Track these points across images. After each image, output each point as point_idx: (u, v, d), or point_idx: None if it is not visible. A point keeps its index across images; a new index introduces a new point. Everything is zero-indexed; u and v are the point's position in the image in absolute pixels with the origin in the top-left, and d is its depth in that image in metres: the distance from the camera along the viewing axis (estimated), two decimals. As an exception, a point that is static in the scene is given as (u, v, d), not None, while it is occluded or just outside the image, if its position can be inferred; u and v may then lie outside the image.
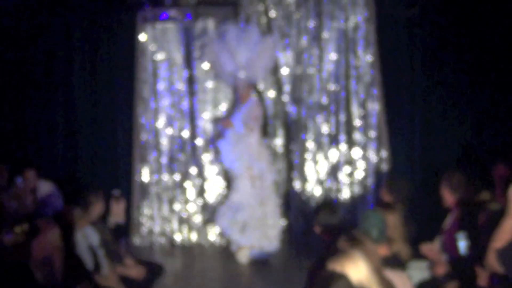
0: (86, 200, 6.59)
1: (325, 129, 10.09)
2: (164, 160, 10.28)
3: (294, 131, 10.19)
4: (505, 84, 9.46)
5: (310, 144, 10.15)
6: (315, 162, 10.15)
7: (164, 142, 10.27)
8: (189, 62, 10.18)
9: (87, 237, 6.37)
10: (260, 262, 9.02)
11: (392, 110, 9.92)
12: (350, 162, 10.06)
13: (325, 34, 10.02)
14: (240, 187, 9.17)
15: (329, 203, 8.24)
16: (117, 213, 7.23)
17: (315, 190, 10.15)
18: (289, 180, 10.26)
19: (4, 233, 5.01)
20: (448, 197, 6.54)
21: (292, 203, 10.22)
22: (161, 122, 10.28)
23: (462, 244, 5.92)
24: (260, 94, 9.87)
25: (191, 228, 10.31)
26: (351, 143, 10.05)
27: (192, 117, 10.26)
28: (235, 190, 9.24)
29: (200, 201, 10.30)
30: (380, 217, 5.17)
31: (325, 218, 5.91)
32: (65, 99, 10.30)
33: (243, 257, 9.05)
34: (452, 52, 9.71)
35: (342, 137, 10.05)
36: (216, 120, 9.42)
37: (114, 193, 7.30)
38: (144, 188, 10.28)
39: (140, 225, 10.26)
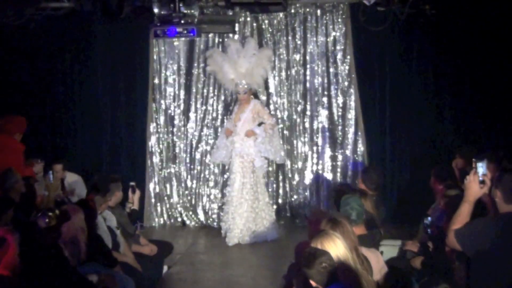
0: (107, 189, 6.57)
1: (309, 126, 10.13)
2: (173, 151, 10.34)
3: (283, 129, 10.20)
4: (463, 84, 9.50)
5: (297, 139, 10.18)
6: (302, 154, 10.17)
7: (175, 136, 10.33)
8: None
9: (106, 220, 6.37)
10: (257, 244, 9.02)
11: (367, 111, 9.92)
12: (332, 152, 10.10)
13: (309, 47, 10.05)
14: (235, 181, 9.13)
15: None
16: (133, 200, 7.23)
17: (302, 178, 10.18)
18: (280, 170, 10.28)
19: (40, 217, 5.01)
20: (436, 186, 6.56)
21: (283, 188, 10.26)
22: (170, 124, 10.31)
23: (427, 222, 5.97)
24: (257, 97, 9.81)
25: (196, 211, 10.31)
26: (332, 137, 10.09)
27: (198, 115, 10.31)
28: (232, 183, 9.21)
29: (206, 187, 10.31)
30: (359, 201, 5.13)
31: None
32: (88, 103, 10.27)
33: (229, 241, 9.00)
34: (417, 59, 9.75)
35: (324, 131, 10.09)
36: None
37: (131, 184, 7.29)
38: (156, 177, 10.30)
39: (153, 210, 10.27)
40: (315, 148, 10.16)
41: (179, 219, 10.32)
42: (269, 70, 9.62)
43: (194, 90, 10.29)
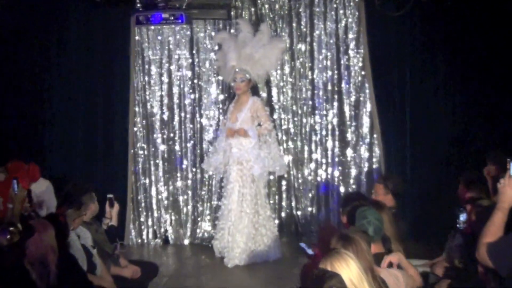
0: (80, 201, 6.54)
1: (318, 127, 10.15)
2: (158, 161, 10.35)
3: (287, 130, 10.23)
4: (493, 80, 9.46)
5: (303, 142, 10.22)
6: (308, 157, 10.22)
7: (158, 143, 10.35)
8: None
9: (81, 237, 6.32)
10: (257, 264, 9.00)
11: (383, 108, 9.91)
12: (343, 158, 10.11)
13: (317, 35, 10.06)
14: (233, 192, 9.08)
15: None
16: (111, 215, 7.19)
17: (309, 187, 10.21)
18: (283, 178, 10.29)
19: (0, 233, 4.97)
20: (465, 195, 6.54)
21: (287, 200, 10.28)
22: (155, 125, 10.34)
23: (462, 218, 6.00)
24: (257, 93, 9.80)
25: (185, 226, 10.33)
26: (343, 141, 10.09)
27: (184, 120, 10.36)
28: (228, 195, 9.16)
29: (196, 199, 10.36)
30: (377, 214, 5.12)
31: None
32: (60, 98, 10.26)
33: (228, 262, 8.94)
34: (441, 49, 9.72)
35: (335, 134, 10.12)
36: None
37: (108, 196, 7.26)
38: (138, 189, 10.31)
39: (134, 226, 10.25)
40: (323, 152, 10.17)
41: (165, 236, 10.32)
42: (277, 64, 9.60)
43: (184, 87, 10.34)
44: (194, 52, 10.31)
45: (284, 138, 10.20)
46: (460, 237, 6.06)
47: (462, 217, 6.01)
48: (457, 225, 6.06)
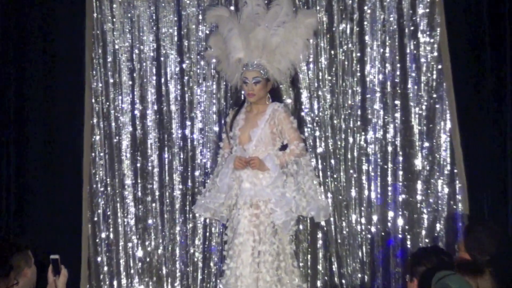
0: (8, 264, 6.49)
1: (370, 147, 10.12)
2: (127, 203, 10.37)
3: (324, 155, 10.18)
4: None
5: (348, 173, 10.16)
6: (358, 196, 10.16)
7: (128, 175, 10.38)
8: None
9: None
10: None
11: (472, 120, 9.83)
12: (410, 197, 10.04)
13: (369, 10, 10.06)
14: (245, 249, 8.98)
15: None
16: (56, 286, 7.11)
17: (358, 241, 10.15)
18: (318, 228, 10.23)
19: None
20: None
21: (326, 261, 10.23)
22: (124, 148, 10.37)
23: None
24: (279, 98, 9.70)
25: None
26: (410, 170, 10.05)
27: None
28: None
29: (183, 264, 10.33)
30: (464, 282, 5.12)
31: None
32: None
33: None
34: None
35: (397, 160, 10.08)
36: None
37: (52, 257, 7.17)
38: (99, 246, 10.26)
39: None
40: (379, 187, 10.13)
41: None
42: (306, 49, 9.55)
43: (167, 88, 10.36)
44: (182, 36, 10.30)
45: (320, 166, 10.14)
46: None
47: None
48: None
